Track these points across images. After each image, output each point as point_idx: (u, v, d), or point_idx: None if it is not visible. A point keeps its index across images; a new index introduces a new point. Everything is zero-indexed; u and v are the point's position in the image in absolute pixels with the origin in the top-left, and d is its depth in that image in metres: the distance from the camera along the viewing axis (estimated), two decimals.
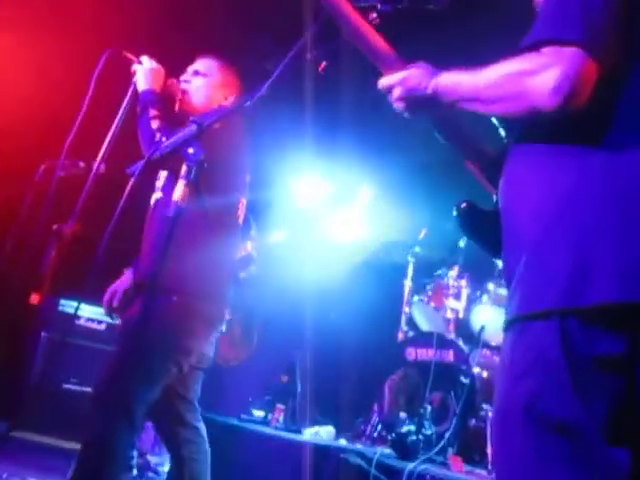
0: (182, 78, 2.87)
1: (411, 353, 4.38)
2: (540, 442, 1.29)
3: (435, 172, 5.16)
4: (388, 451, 3.61)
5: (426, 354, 4.28)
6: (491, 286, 4.53)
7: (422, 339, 4.44)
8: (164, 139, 2.51)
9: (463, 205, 1.68)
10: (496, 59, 1.42)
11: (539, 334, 1.32)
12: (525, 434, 1.31)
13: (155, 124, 2.64)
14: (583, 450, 1.27)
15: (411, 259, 5.13)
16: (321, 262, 5.50)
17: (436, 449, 3.53)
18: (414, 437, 3.55)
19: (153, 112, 2.66)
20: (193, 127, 2.12)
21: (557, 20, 1.38)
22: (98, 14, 4.84)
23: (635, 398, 1.29)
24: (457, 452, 3.63)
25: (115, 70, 2.66)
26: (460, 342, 4.31)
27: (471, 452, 3.73)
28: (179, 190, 2.09)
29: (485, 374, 4.11)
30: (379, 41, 1.77)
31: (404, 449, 3.50)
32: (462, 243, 4.86)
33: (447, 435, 3.64)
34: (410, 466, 3.20)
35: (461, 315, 4.64)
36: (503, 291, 4.40)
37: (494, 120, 1.71)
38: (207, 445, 2.80)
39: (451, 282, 4.75)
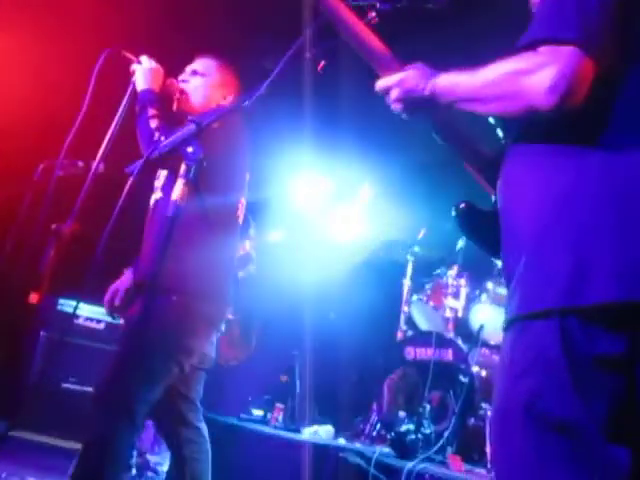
0: (180, 78, 2.87)
1: (410, 352, 4.38)
2: (540, 441, 1.30)
3: (435, 171, 5.17)
4: (387, 450, 3.61)
5: (425, 353, 4.28)
6: (490, 285, 4.53)
7: (421, 338, 4.44)
8: (163, 138, 2.51)
9: (462, 205, 1.68)
10: (495, 58, 1.43)
11: (539, 333, 1.32)
12: (525, 433, 1.32)
13: (154, 123, 2.64)
14: (583, 449, 1.27)
15: (410, 258, 5.14)
16: (320, 262, 5.50)
17: (435, 448, 3.54)
18: (413, 436, 3.55)
19: (152, 111, 2.66)
20: (192, 126, 2.12)
21: (553, 20, 1.38)
22: (97, 14, 4.84)
23: (635, 397, 1.29)
24: (456, 451, 3.63)
25: (114, 69, 2.66)
26: (459, 341, 4.31)
27: (470, 451, 3.74)
28: (178, 189, 2.09)
29: (484, 373, 4.11)
30: (376, 43, 1.77)
31: (403, 448, 3.51)
32: (461, 242, 4.86)
33: (446, 434, 3.64)
34: (409, 465, 3.20)
35: (460, 314, 4.65)
36: (502, 290, 4.41)
37: (491, 121, 1.71)
38: (208, 445, 2.81)
39: (450, 281, 4.76)
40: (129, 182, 2.21)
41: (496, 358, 4.18)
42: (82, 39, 4.53)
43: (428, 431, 3.63)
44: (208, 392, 2.93)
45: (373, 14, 1.89)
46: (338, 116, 4.90)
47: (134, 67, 2.77)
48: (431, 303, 4.82)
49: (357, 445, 3.93)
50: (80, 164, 3.50)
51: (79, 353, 4.79)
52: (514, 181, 1.49)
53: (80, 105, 2.52)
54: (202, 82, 2.85)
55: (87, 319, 5.07)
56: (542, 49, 1.35)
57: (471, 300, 4.64)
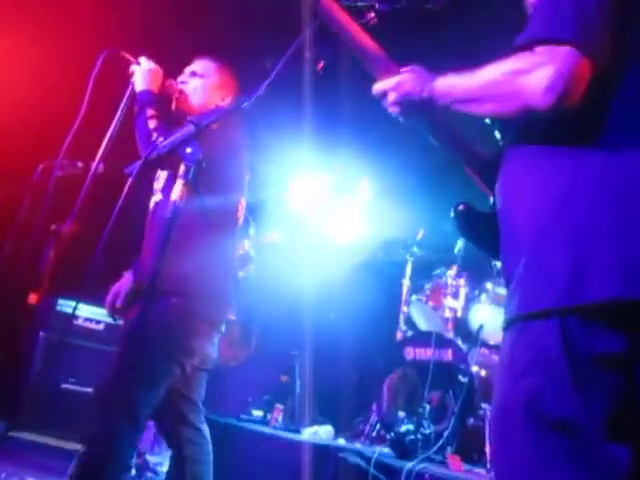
0: (179, 79, 2.87)
1: (410, 352, 4.38)
2: (540, 441, 1.30)
3: (434, 171, 5.16)
4: (387, 450, 3.61)
5: (425, 353, 4.28)
6: (489, 285, 4.54)
7: (421, 338, 4.44)
8: (161, 139, 2.51)
9: (460, 207, 1.68)
10: (494, 58, 1.43)
11: (539, 333, 1.32)
12: (525, 433, 1.32)
13: (152, 124, 2.64)
14: (583, 448, 1.27)
15: (409, 258, 5.14)
16: (320, 262, 5.50)
17: (435, 448, 3.54)
18: (413, 436, 3.55)
19: (150, 112, 2.67)
20: (191, 127, 2.12)
21: (550, 20, 1.38)
22: (96, 15, 4.84)
23: (634, 396, 1.29)
24: (456, 451, 3.63)
25: (113, 70, 2.67)
26: (458, 341, 4.31)
27: (470, 451, 3.74)
28: (177, 190, 2.09)
29: (484, 373, 4.11)
30: (370, 44, 1.77)
31: (403, 448, 3.51)
32: (460, 243, 4.86)
33: (446, 434, 3.64)
34: (409, 465, 3.20)
35: (459, 314, 4.65)
36: (501, 290, 4.41)
37: (489, 122, 1.71)
38: (210, 447, 2.80)
39: (449, 281, 4.76)
40: (128, 183, 2.21)
41: (495, 358, 4.18)
42: (81, 40, 4.53)
43: (428, 431, 3.63)
44: (208, 393, 2.92)
45: (372, 14, 1.89)
46: (338, 114, 4.90)
47: (133, 68, 2.78)
48: (430, 303, 4.82)
49: (357, 445, 3.93)
50: (79, 165, 3.51)
51: (78, 354, 4.78)
52: (512, 182, 1.49)
53: (79, 106, 2.52)
54: (201, 83, 2.86)
55: (86, 320, 5.06)
56: (539, 49, 1.35)
57: (470, 300, 4.64)
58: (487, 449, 3.55)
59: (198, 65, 2.91)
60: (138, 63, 2.78)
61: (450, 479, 3.18)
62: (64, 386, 4.84)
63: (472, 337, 4.39)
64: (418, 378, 4.14)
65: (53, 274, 4.40)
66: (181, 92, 2.83)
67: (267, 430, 4.31)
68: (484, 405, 3.87)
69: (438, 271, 4.91)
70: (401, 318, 5.00)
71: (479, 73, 1.45)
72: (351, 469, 3.40)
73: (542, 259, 1.35)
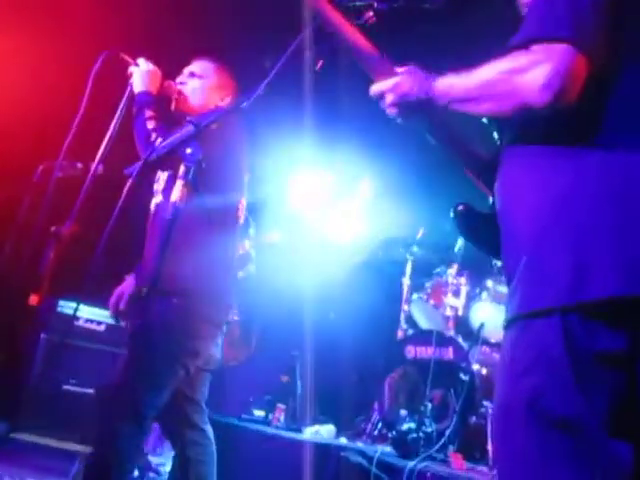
0: (178, 80, 2.88)
1: (410, 351, 4.37)
2: (542, 439, 1.30)
3: (434, 170, 5.16)
4: (389, 449, 3.61)
5: (425, 352, 4.28)
6: (490, 283, 4.54)
7: (421, 337, 4.44)
8: (160, 140, 2.51)
9: (460, 208, 1.69)
10: (491, 58, 1.43)
11: (541, 332, 1.33)
12: (527, 431, 1.32)
13: (151, 125, 2.65)
14: (585, 446, 1.28)
15: (410, 257, 5.14)
16: (320, 262, 5.50)
17: (437, 447, 3.53)
18: (414, 435, 3.55)
19: (149, 113, 2.67)
20: (190, 127, 2.13)
21: (546, 19, 1.39)
22: (95, 16, 4.83)
23: (636, 394, 1.30)
24: (457, 449, 3.63)
25: (113, 71, 2.67)
26: (459, 339, 4.31)
27: (472, 449, 3.73)
28: (177, 190, 2.09)
29: (485, 371, 4.11)
30: (367, 47, 1.77)
31: (405, 447, 3.51)
32: (461, 241, 4.86)
33: (447, 432, 3.64)
34: (411, 464, 3.20)
35: (460, 312, 4.65)
36: (502, 288, 4.41)
37: (486, 122, 1.71)
38: (214, 447, 2.80)
39: (450, 280, 4.76)
40: (128, 184, 2.21)
41: (497, 356, 4.18)
42: (80, 41, 4.53)
43: (429, 430, 3.63)
44: (209, 393, 2.92)
45: (370, 14, 1.89)
46: (338, 113, 4.89)
47: (131, 69, 2.78)
48: (431, 302, 4.82)
49: (359, 444, 3.93)
50: (79, 166, 3.50)
51: (79, 355, 4.79)
52: (512, 183, 1.49)
53: (78, 106, 2.52)
54: (200, 84, 2.86)
55: (87, 321, 5.06)
56: (535, 47, 1.36)
57: (471, 298, 4.64)
58: (489, 447, 3.55)
59: (196, 66, 2.91)
60: (136, 64, 2.79)
61: (452, 478, 3.18)
62: (65, 387, 4.84)
63: (473, 335, 4.39)
64: (419, 376, 4.14)
65: (53, 275, 4.40)
66: (180, 93, 2.83)
67: (269, 430, 4.31)
68: (486, 403, 3.87)
69: (439, 269, 4.91)
70: (402, 317, 5.00)
71: (476, 73, 1.45)
72: (353, 468, 3.40)
73: (542, 258, 1.35)
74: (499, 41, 1.50)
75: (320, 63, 2.00)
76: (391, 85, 1.61)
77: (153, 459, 4.07)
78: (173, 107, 2.83)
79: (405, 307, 5.02)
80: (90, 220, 2.75)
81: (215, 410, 4.18)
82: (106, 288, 2.87)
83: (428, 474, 3.15)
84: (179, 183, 2.11)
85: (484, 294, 4.54)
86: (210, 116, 2.20)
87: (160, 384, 2.50)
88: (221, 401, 4.53)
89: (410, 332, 4.86)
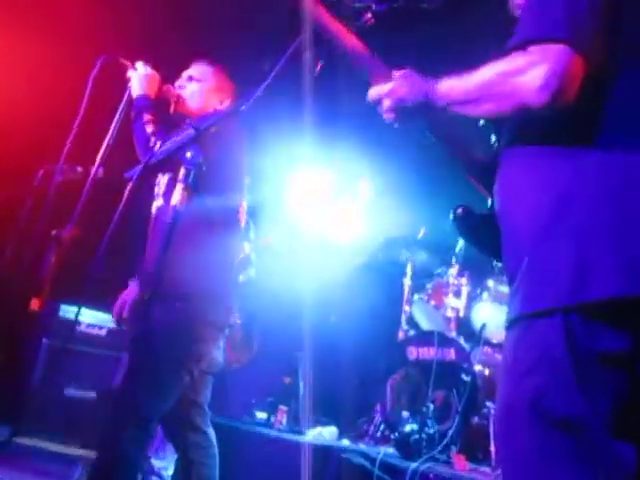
0: (177, 84, 2.88)
1: (412, 352, 4.37)
2: (545, 439, 1.30)
3: (435, 170, 5.16)
4: (391, 451, 3.61)
5: (427, 353, 4.27)
6: (491, 283, 4.53)
7: (423, 338, 4.43)
8: (159, 143, 2.51)
9: (459, 210, 1.69)
10: (490, 58, 1.43)
11: (543, 332, 1.33)
12: (530, 431, 1.32)
13: (150, 129, 2.65)
14: (587, 446, 1.28)
15: (410, 258, 5.13)
16: (321, 264, 5.49)
17: (439, 448, 3.53)
18: (417, 436, 3.55)
19: (147, 117, 2.68)
20: (190, 131, 2.13)
21: (543, 20, 1.40)
22: (93, 18, 4.83)
23: (638, 395, 1.30)
24: (460, 450, 3.63)
25: (112, 75, 2.67)
26: (461, 340, 4.30)
27: (474, 450, 3.73)
28: (177, 194, 2.10)
29: (487, 372, 4.11)
30: (365, 52, 1.78)
31: (407, 448, 3.51)
32: (462, 241, 4.85)
33: (450, 433, 3.64)
34: (413, 465, 3.20)
35: (462, 313, 4.64)
36: (503, 288, 4.40)
37: (485, 125, 1.71)
38: (216, 450, 2.80)
39: (451, 280, 4.75)
40: (128, 187, 2.21)
41: (499, 356, 4.18)
42: (78, 44, 4.53)
43: (432, 431, 3.63)
44: (211, 396, 2.92)
45: (369, 15, 1.90)
46: (338, 113, 4.89)
47: (130, 73, 2.78)
48: (432, 302, 4.82)
49: (361, 446, 3.93)
50: (79, 169, 3.50)
51: (81, 359, 4.78)
52: (511, 183, 1.50)
53: (76, 110, 2.52)
54: (198, 88, 2.86)
55: (89, 325, 5.05)
56: (532, 48, 1.37)
57: (472, 299, 4.64)
58: (492, 448, 3.54)
59: (195, 69, 2.92)
60: (135, 68, 2.79)
61: (455, 479, 3.18)
62: (67, 392, 4.83)
63: (475, 336, 4.38)
64: (421, 377, 4.14)
65: (54, 279, 4.40)
66: (179, 97, 2.84)
67: (271, 432, 4.31)
68: (488, 404, 3.86)
69: (439, 270, 4.91)
70: (403, 318, 4.99)
71: (474, 75, 1.46)
72: (355, 470, 3.40)
73: (543, 259, 1.36)
74: (497, 40, 1.51)
75: (319, 66, 2.00)
76: (387, 90, 1.61)
77: (156, 462, 4.07)
78: (172, 111, 2.83)
79: (406, 308, 5.01)
80: (91, 224, 2.75)
81: (217, 413, 4.18)
82: (107, 292, 2.87)
83: (431, 475, 3.15)
84: (179, 186, 2.11)
85: (485, 294, 4.53)
86: (210, 119, 2.21)
87: (166, 390, 2.50)
88: (223, 404, 4.52)
89: (411, 333, 4.85)
